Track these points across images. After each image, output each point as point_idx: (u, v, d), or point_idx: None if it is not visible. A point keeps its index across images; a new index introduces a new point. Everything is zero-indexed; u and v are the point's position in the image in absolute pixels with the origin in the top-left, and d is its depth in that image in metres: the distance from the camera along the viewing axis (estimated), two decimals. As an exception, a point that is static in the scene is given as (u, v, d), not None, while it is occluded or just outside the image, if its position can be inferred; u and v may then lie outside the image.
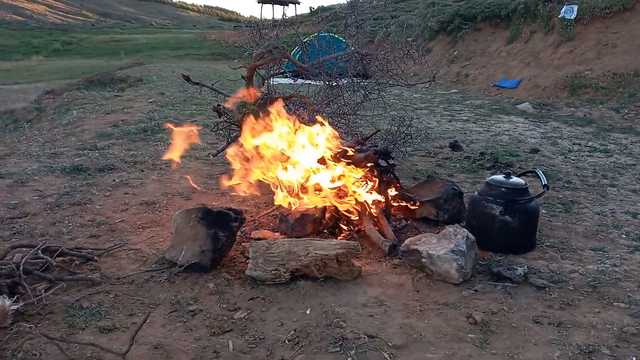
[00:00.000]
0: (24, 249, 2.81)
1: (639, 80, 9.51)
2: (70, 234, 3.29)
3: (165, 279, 2.70)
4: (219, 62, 23.19)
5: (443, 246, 2.78)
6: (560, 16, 12.61)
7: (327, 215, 3.32)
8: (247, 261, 2.73)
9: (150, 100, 9.49)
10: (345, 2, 5.48)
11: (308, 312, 2.42)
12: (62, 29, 42.86)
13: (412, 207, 3.54)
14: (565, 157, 5.75)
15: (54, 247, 2.85)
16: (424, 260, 2.77)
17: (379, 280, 2.74)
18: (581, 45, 11.65)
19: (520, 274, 2.73)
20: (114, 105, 9.00)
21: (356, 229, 3.30)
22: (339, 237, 3.21)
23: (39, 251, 2.73)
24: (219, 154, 5.21)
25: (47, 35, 37.93)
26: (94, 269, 2.81)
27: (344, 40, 6.06)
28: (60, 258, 2.83)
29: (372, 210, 3.30)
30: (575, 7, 12.20)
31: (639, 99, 8.95)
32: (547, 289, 2.65)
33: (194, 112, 8.40)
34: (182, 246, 2.80)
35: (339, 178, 3.29)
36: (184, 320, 2.35)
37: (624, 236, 3.44)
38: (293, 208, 3.28)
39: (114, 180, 4.48)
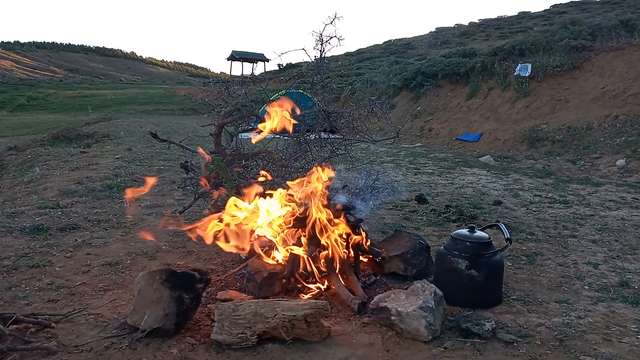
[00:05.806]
0: (-25, 317, 2.67)
1: (591, 134, 10.02)
2: (27, 299, 3.14)
3: (127, 346, 2.58)
4: (189, 117, 23.35)
5: (412, 303, 2.77)
6: (515, 74, 13.36)
7: (296, 272, 3.29)
8: (213, 324, 2.65)
9: (117, 156, 9.40)
10: (312, 61, 5.65)
11: (276, 376, 2.34)
12: (28, 84, 42.63)
13: (381, 262, 3.55)
14: (527, 209, 5.92)
15: (7, 315, 2.70)
16: (393, 317, 2.75)
17: (348, 341, 2.69)
18: (536, 100, 12.29)
19: (488, 329, 2.73)
20: (80, 161, 8.86)
21: (325, 286, 3.26)
22: (308, 295, 3.16)
23: (-9, 319, 2.59)
24: (185, 211, 5.15)
25: (12, 91, 37.60)
26: (51, 336, 2.67)
27: (311, 97, 6.23)
28: (15, 326, 2.69)
29: (340, 266, 3.29)
30: (529, 66, 12.97)
31: (593, 151, 9.40)
32: (515, 344, 2.66)
33: (162, 168, 8.34)
34: (145, 310, 2.70)
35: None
36: (145, 390, 2.23)
37: (586, 287, 3.52)
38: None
39: (76, 240, 4.35)
